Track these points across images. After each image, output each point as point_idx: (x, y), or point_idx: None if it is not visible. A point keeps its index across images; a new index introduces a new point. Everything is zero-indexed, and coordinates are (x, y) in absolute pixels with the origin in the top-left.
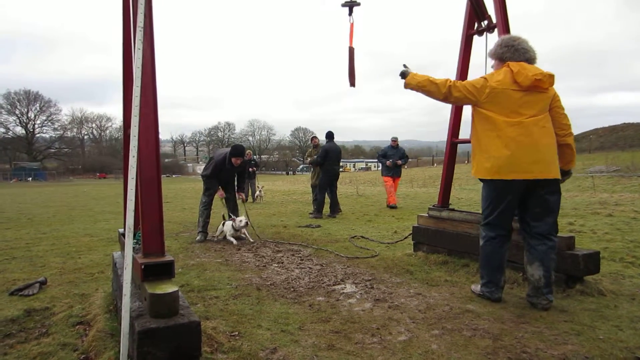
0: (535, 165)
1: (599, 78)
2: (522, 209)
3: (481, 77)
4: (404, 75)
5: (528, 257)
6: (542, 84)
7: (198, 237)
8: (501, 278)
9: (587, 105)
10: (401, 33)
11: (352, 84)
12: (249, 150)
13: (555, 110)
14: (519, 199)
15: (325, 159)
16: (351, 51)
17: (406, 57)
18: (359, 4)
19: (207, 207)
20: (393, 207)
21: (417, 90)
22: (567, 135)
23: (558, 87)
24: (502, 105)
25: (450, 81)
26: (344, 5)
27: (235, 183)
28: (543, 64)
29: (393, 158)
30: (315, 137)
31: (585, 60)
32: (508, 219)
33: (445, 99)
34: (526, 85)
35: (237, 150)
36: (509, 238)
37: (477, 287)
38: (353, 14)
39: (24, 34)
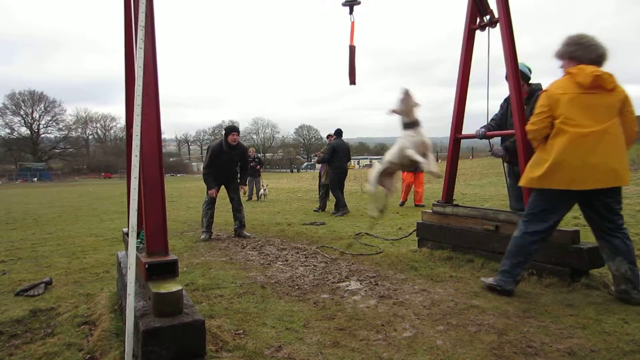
0: (603, 174)
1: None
2: (588, 210)
3: (543, 93)
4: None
5: (607, 254)
6: (604, 83)
7: (202, 236)
8: (520, 273)
9: None
10: (402, 29)
11: (352, 82)
12: (251, 148)
13: (625, 114)
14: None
15: (332, 156)
16: (352, 49)
17: (408, 53)
18: (359, 3)
19: (210, 206)
20: (402, 205)
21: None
22: (630, 143)
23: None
24: (573, 113)
25: (527, 125)
26: (344, 4)
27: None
28: (541, 60)
29: None
30: (331, 135)
31: None
32: (561, 217)
33: (535, 138)
34: (587, 83)
35: (231, 126)
36: (548, 237)
37: (487, 279)
38: (354, 13)
39: (28, 35)
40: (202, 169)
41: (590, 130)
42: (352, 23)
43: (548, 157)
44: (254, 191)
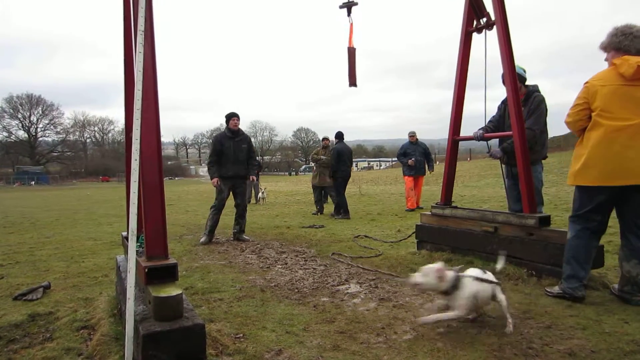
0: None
1: (595, 72)
2: (621, 205)
3: (583, 86)
4: None
5: (625, 253)
6: None
7: (202, 239)
8: (586, 275)
9: None
10: (400, 31)
11: (352, 83)
12: None
13: None
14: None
15: (338, 161)
16: (351, 51)
17: (406, 55)
18: (356, 4)
19: (217, 211)
20: (411, 211)
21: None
22: None
23: (556, 83)
24: (611, 106)
25: (565, 119)
26: (342, 6)
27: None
28: (535, 61)
29: (414, 155)
30: (327, 138)
31: (581, 55)
32: (605, 214)
33: (573, 130)
34: (630, 74)
35: (230, 112)
36: (601, 233)
37: (553, 289)
38: (352, 14)
39: (28, 39)
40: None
41: (628, 123)
42: (351, 25)
43: (584, 151)
44: (252, 194)
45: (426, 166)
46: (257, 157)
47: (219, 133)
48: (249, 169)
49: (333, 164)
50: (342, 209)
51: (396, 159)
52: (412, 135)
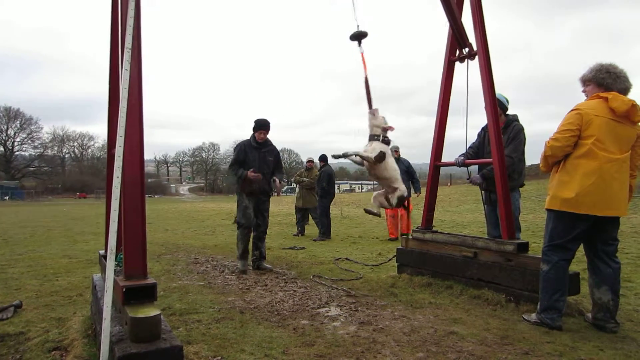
0: (618, 203)
1: (569, 103)
2: (593, 234)
3: (574, 111)
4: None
5: (595, 281)
6: (634, 115)
7: (239, 265)
8: (564, 305)
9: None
10: (383, 57)
11: (370, 108)
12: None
13: (635, 149)
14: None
15: (329, 184)
16: (366, 80)
17: (387, 84)
18: (366, 35)
19: (246, 231)
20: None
21: (549, 168)
22: (633, 177)
23: (532, 114)
24: (604, 137)
25: (547, 141)
26: (352, 38)
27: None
28: (511, 89)
29: None
30: (312, 160)
31: (553, 87)
32: (579, 244)
33: (555, 155)
34: (622, 111)
35: (261, 121)
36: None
37: (530, 316)
38: (362, 45)
39: (11, 56)
40: (232, 173)
41: (616, 157)
42: (362, 54)
43: (571, 178)
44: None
45: (411, 187)
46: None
47: (244, 140)
48: (276, 172)
49: (324, 185)
50: (324, 230)
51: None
52: (395, 150)
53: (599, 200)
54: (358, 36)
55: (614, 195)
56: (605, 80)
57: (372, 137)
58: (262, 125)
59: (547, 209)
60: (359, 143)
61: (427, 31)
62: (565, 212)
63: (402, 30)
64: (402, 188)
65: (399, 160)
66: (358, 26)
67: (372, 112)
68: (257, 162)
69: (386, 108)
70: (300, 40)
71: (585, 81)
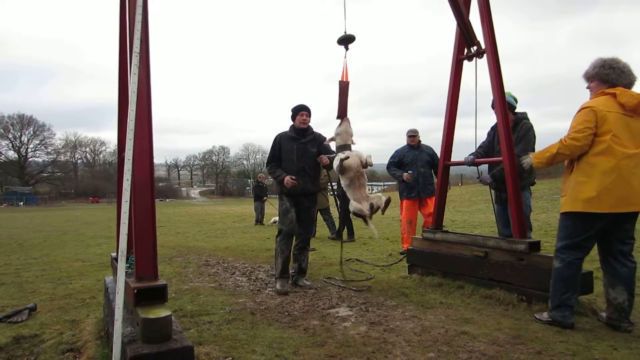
0: (638, 198)
1: (573, 103)
2: (609, 231)
3: (587, 109)
4: (528, 163)
5: (609, 280)
6: None
7: (277, 285)
8: (575, 303)
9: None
10: (386, 59)
11: (339, 116)
12: (260, 174)
13: None
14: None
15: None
16: (343, 85)
17: (392, 86)
18: (354, 39)
19: (286, 240)
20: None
21: (550, 165)
22: None
23: (539, 113)
24: (619, 132)
25: (564, 140)
26: (340, 42)
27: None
28: (522, 91)
29: (413, 168)
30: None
31: (557, 88)
32: (592, 242)
33: (572, 154)
34: (632, 105)
35: (299, 105)
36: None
37: (542, 315)
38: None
39: (25, 64)
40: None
41: (632, 152)
42: (345, 60)
43: (591, 178)
44: (260, 215)
45: (433, 180)
46: (265, 181)
47: (282, 132)
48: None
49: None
50: (348, 229)
51: (388, 183)
52: (411, 135)
53: (620, 197)
54: (344, 40)
55: (634, 190)
56: (609, 76)
57: (345, 147)
58: (303, 107)
59: (566, 212)
60: (357, 146)
61: (436, 31)
62: (584, 213)
63: (407, 30)
64: (374, 199)
65: (418, 148)
66: (345, 31)
67: (348, 121)
68: (294, 155)
69: (389, 110)
70: (304, 43)
71: (589, 78)
